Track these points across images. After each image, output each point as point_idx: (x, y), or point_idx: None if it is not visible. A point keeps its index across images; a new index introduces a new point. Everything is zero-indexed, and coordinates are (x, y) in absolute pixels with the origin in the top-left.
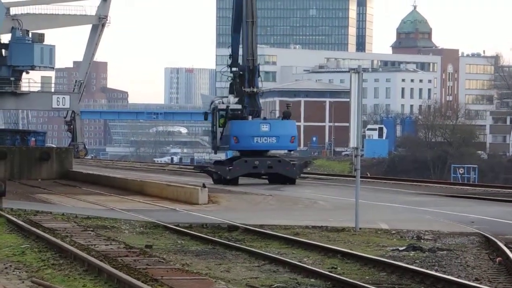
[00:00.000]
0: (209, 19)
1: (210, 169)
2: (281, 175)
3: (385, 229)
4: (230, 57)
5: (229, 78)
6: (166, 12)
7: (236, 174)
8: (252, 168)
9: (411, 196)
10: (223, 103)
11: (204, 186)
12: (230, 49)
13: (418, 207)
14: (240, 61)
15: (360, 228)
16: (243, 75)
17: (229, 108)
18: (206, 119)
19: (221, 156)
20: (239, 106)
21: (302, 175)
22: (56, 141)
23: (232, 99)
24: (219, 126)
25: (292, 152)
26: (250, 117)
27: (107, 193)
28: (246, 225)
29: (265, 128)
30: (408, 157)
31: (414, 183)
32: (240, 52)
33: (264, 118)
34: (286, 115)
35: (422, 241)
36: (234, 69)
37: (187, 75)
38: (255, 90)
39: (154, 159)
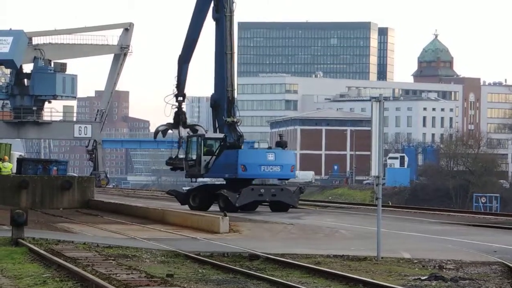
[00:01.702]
0: None
1: (223, 193)
2: (283, 202)
3: (407, 258)
4: (176, 87)
5: (173, 107)
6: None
7: (244, 201)
8: (258, 195)
9: (433, 225)
10: (206, 131)
11: (225, 214)
12: (176, 79)
13: (440, 236)
14: (214, 91)
15: (382, 257)
16: (221, 105)
17: (216, 137)
18: (155, 138)
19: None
20: (221, 135)
21: (323, 204)
22: (78, 170)
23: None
24: (204, 154)
25: (286, 181)
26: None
27: (129, 222)
28: (267, 254)
29: (270, 157)
30: (430, 186)
31: (436, 212)
32: (209, 81)
33: (269, 148)
34: (282, 145)
35: (444, 270)
36: (179, 98)
37: (208, 103)
38: (235, 119)
39: (183, 188)
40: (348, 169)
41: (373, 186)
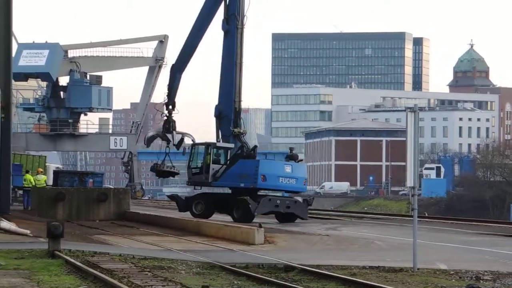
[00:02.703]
0: (264, 59)
1: (247, 200)
2: (295, 215)
3: (444, 270)
4: (167, 96)
5: (163, 115)
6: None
7: (262, 211)
8: (274, 206)
9: (470, 236)
10: (219, 141)
11: (260, 226)
12: (167, 87)
13: (477, 247)
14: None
15: (418, 269)
16: (227, 116)
17: (227, 147)
18: (148, 146)
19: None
20: (231, 145)
21: (358, 215)
22: (113, 182)
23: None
24: (213, 163)
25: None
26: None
27: (164, 234)
28: (303, 265)
29: (288, 169)
30: (466, 196)
31: (473, 223)
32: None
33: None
34: (294, 158)
35: (481, 281)
36: (170, 107)
37: (243, 115)
38: (241, 130)
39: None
40: (383, 179)
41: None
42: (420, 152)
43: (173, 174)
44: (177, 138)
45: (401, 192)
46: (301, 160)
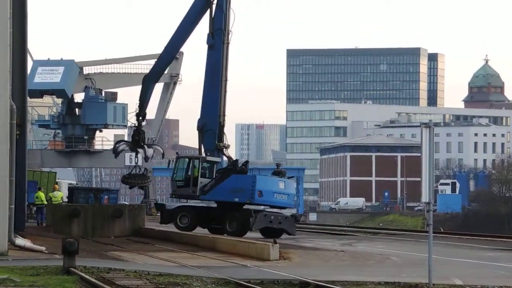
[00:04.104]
0: (279, 76)
1: (252, 214)
2: (285, 230)
3: (459, 285)
4: (138, 107)
5: (133, 126)
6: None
7: (259, 227)
8: (268, 222)
9: (485, 252)
10: (208, 155)
11: (275, 242)
12: (139, 99)
13: (493, 262)
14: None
15: (433, 284)
16: (211, 130)
17: (211, 160)
18: (116, 157)
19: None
20: (219, 159)
21: (373, 231)
22: (128, 199)
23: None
24: (201, 176)
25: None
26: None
27: (179, 250)
28: (318, 281)
29: (281, 185)
30: (481, 212)
31: (488, 238)
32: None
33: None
34: (282, 174)
35: None
36: (140, 118)
37: (257, 131)
38: (226, 144)
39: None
40: (399, 195)
41: (424, 212)
42: (435, 167)
43: (144, 185)
44: (150, 152)
45: (416, 208)
46: (292, 177)
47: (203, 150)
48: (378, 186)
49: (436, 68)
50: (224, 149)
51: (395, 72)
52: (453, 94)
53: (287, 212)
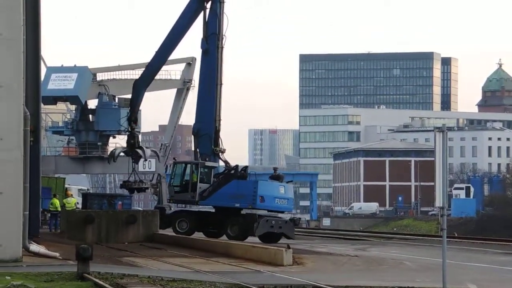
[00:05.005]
0: (292, 81)
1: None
2: (285, 234)
3: None
4: (130, 112)
5: (127, 131)
6: (248, 74)
7: (261, 232)
8: (270, 227)
9: (500, 256)
10: (207, 160)
11: (288, 247)
12: (130, 103)
13: (507, 266)
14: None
15: None
16: (207, 135)
17: (210, 166)
18: (115, 161)
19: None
20: (216, 164)
21: (387, 236)
22: (142, 204)
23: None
24: (200, 181)
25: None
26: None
27: (192, 255)
28: (331, 286)
29: (282, 190)
30: (496, 216)
31: (503, 243)
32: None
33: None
34: (279, 178)
35: None
36: (132, 122)
37: (270, 136)
38: (222, 149)
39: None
40: (412, 200)
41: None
42: (449, 172)
43: (144, 189)
44: (148, 152)
45: (430, 212)
46: (291, 181)
47: (198, 155)
48: (391, 191)
49: (450, 72)
50: (220, 154)
51: (409, 76)
52: (467, 98)
53: (285, 216)
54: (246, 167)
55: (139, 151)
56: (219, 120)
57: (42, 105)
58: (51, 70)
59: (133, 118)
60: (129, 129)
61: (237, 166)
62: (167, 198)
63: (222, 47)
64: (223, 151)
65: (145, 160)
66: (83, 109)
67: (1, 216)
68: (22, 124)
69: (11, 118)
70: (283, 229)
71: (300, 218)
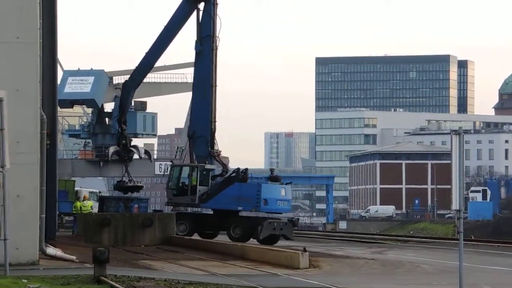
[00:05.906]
0: (308, 83)
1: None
2: (285, 236)
3: None
4: (119, 113)
5: (117, 131)
6: (265, 77)
7: (265, 235)
8: (272, 229)
9: None
10: (206, 163)
11: (304, 250)
12: (119, 104)
13: None
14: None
15: None
16: (202, 137)
17: (208, 168)
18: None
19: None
20: (215, 167)
21: (403, 239)
22: (158, 207)
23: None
24: (199, 184)
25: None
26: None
27: (209, 258)
28: None
29: (283, 192)
30: None
31: None
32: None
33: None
34: (278, 180)
35: None
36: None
37: (287, 139)
38: (218, 150)
39: None
40: (429, 203)
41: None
42: (466, 175)
43: (138, 188)
44: (142, 150)
45: (447, 215)
46: (290, 183)
47: (194, 157)
48: (408, 194)
49: (466, 75)
50: (216, 156)
51: (425, 79)
52: (483, 101)
53: (284, 217)
54: (246, 169)
55: (133, 149)
56: (215, 122)
57: (58, 108)
58: (68, 73)
59: (123, 120)
60: (119, 130)
61: (238, 169)
62: (165, 202)
63: (216, 49)
64: (219, 153)
65: (140, 158)
66: (99, 112)
67: (18, 219)
68: (38, 128)
69: (27, 122)
70: (284, 230)
71: (298, 218)
